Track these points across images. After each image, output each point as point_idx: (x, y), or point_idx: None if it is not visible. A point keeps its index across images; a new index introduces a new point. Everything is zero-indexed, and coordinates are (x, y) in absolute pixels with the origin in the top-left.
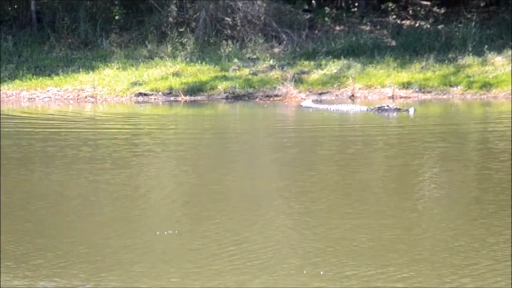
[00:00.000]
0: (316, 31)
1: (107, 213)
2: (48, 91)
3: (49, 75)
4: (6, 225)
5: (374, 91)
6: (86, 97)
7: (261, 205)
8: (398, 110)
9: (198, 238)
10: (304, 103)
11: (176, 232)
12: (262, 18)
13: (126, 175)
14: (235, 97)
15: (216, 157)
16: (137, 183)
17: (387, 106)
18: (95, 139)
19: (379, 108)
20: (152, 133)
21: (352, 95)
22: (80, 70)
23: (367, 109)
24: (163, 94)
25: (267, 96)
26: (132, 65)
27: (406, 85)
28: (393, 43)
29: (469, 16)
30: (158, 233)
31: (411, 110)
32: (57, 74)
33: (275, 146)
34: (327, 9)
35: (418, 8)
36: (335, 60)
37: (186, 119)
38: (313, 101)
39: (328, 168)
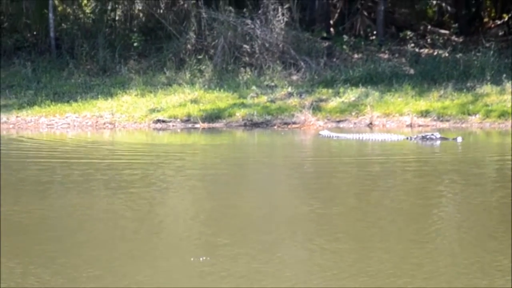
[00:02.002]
0: (334, 59)
1: (148, 237)
2: (66, 117)
3: (68, 102)
4: (70, 248)
5: (393, 119)
6: (104, 123)
7: (294, 230)
8: (444, 139)
9: (241, 262)
10: (323, 132)
11: (208, 259)
12: (280, 45)
13: (161, 200)
14: (253, 124)
15: (246, 185)
16: (169, 209)
17: (432, 134)
18: (130, 164)
19: (423, 137)
20: (178, 160)
21: (370, 123)
22: (99, 96)
23: (407, 138)
24: (181, 121)
25: (285, 123)
26: (151, 92)
27: (425, 114)
28: (411, 71)
29: (487, 45)
30: (192, 259)
31: (459, 139)
32: (76, 101)
33: (316, 176)
34: (345, 37)
35: (437, 37)
36: (353, 88)
37: (207, 147)
38: (329, 129)
39: (379, 197)
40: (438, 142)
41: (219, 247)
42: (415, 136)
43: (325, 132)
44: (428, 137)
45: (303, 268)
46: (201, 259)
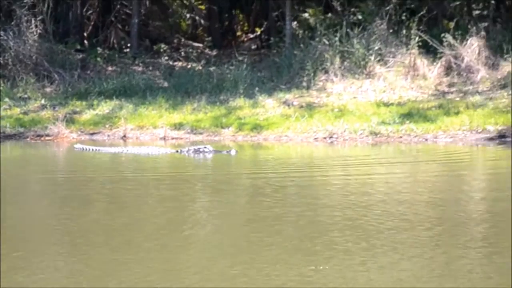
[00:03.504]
0: (89, 71)
1: None
2: None
3: None
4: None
5: (146, 131)
6: None
7: (79, 241)
8: (218, 152)
9: None
10: (77, 146)
11: None
12: (33, 57)
13: None
14: (5, 137)
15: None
16: None
17: (205, 147)
18: None
19: (195, 150)
20: None
21: (124, 136)
22: None
23: (177, 151)
24: None
25: (38, 135)
26: None
27: (178, 126)
28: (165, 84)
29: (240, 58)
30: None
31: (233, 152)
32: None
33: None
34: (99, 50)
35: (190, 50)
36: (107, 100)
37: None
38: (82, 142)
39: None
40: (211, 155)
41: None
42: (186, 149)
43: (79, 146)
44: (201, 150)
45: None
46: None
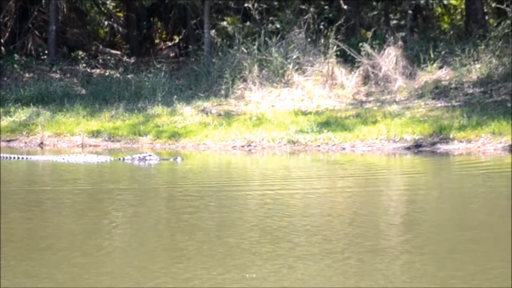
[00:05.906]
0: (5, 78)
1: None
2: None
3: None
4: None
5: (64, 139)
6: None
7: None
8: (165, 160)
9: None
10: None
11: None
12: None
13: None
14: None
15: None
16: None
17: (150, 155)
18: None
19: (140, 158)
20: None
21: (42, 143)
22: None
23: (119, 159)
24: None
25: None
26: None
27: (96, 134)
28: (83, 91)
29: (158, 66)
30: None
31: (179, 159)
32: None
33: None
34: (16, 56)
35: (108, 57)
36: (24, 107)
37: None
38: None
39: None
40: (156, 162)
41: None
42: (130, 157)
43: (4, 154)
44: (146, 158)
45: None
46: None
